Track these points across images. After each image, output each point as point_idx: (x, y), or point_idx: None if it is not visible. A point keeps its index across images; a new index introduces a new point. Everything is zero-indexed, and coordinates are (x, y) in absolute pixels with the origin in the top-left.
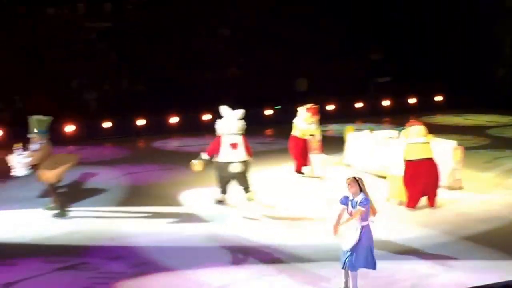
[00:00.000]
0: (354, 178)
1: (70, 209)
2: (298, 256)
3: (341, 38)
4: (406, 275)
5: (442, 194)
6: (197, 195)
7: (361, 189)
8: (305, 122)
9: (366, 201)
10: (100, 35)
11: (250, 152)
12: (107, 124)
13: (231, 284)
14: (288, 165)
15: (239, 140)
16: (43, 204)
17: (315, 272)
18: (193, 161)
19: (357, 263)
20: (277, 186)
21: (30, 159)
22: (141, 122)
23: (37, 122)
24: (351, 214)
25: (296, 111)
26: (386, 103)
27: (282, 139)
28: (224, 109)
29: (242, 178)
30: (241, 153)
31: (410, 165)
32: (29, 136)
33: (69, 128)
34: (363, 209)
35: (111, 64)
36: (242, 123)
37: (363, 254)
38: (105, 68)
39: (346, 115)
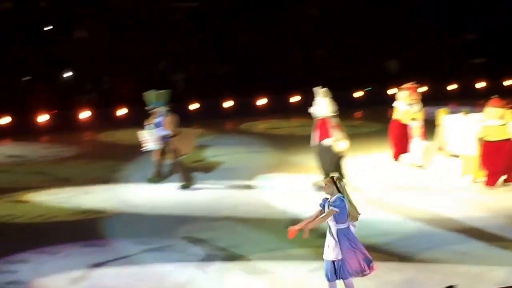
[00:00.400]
0: (332, 178)
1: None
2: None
3: (434, 17)
4: None
5: None
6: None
7: (339, 190)
8: (405, 103)
9: (339, 202)
10: (187, 16)
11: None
12: (194, 106)
13: None
14: (381, 150)
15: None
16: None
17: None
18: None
19: (349, 269)
20: (371, 173)
21: (161, 132)
22: (228, 104)
23: (155, 95)
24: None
25: (386, 93)
26: (481, 84)
27: (371, 122)
28: (319, 90)
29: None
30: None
31: (488, 145)
32: (148, 110)
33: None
34: (335, 210)
35: (199, 45)
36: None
37: (354, 259)
38: (192, 49)
39: (439, 98)
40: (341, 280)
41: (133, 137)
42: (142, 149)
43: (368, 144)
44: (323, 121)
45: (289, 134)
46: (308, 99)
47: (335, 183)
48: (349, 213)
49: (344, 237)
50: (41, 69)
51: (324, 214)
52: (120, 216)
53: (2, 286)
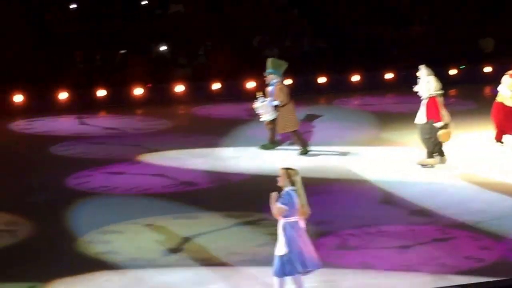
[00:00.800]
0: (286, 169)
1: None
2: None
3: None
4: None
5: None
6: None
7: (292, 183)
8: (508, 89)
9: (287, 197)
10: None
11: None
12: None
13: None
14: (477, 129)
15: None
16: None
17: None
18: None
19: (296, 265)
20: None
21: (274, 103)
22: (322, 79)
23: (273, 63)
24: None
25: (482, 71)
26: None
27: (465, 100)
28: (423, 68)
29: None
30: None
31: None
32: (265, 74)
33: (250, 85)
34: (284, 208)
35: (293, 20)
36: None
37: (300, 255)
38: (287, 24)
39: None
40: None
41: (226, 111)
42: (259, 118)
43: (464, 122)
44: (431, 100)
45: (382, 111)
46: (403, 76)
47: (289, 176)
48: (299, 208)
49: (291, 231)
50: (137, 43)
51: (273, 205)
52: (213, 188)
53: (98, 255)
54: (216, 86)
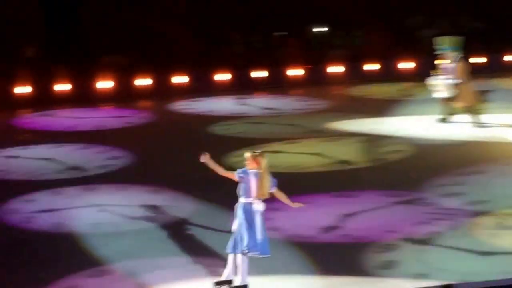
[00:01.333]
0: (253, 154)
1: None
2: None
3: None
4: None
5: None
6: None
7: (258, 167)
8: None
9: (243, 174)
10: None
11: None
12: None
13: None
14: None
15: None
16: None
17: None
18: None
19: (243, 244)
20: None
21: (451, 81)
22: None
23: (449, 40)
24: None
25: None
26: None
27: None
28: None
29: None
30: None
31: None
32: (438, 53)
33: (407, 65)
34: (237, 176)
35: (448, 1)
36: None
37: (247, 235)
38: (442, 4)
39: None
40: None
41: (383, 91)
42: (433, 95)
43: None
44: None
45: None
46: None
47: (255, 160)
48: (256, 189)
49: (242, 210)
50: (295, 24)
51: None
52: (371, 168)
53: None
54: (372, 67)
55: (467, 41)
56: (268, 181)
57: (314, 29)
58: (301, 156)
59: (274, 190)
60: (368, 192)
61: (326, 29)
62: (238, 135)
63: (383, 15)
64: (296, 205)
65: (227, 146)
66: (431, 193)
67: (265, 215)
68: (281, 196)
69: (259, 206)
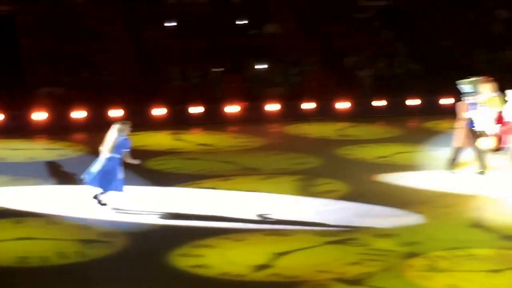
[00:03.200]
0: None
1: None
2: None
3: None
4: None
5: None
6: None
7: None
8: None
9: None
10: (377, 13)
11: None
12: (379, 103)
13: None
14: None
15: None
16: None
17: None
18: None
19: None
20: None
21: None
22: (414, 102)
23: (469, 83)
24: None
25: None
26: None
27: None
28: (510, 93)
29: None
30: None
31: None
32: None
33: (342, 105)
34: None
35: (387, 42)
36: None
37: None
38: (380, 46)
39: None
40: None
41: (320, 130)
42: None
43: None
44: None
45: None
46: None
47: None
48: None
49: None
50: (233, 61)
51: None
52: (304, 205)
53: (189, 269)
54: (309, 105)
55: (403, 82)
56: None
57: (255, 66)
58: (234, 192)
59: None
60: (300, 231)
61: (265, 66)
62: (172, 171)
63: (323, 53)
64: (132, 161)
65: (161, 181)
66: (364, 234)
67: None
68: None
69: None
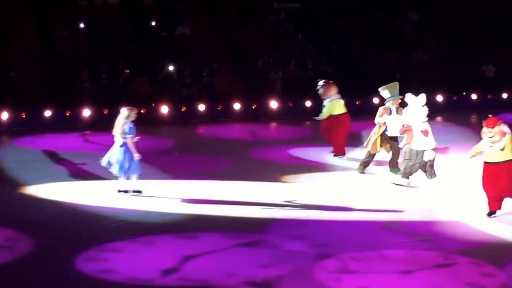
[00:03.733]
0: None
1: None
2: None
3: None
4: None
5: None
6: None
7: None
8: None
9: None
10: (288, 16)
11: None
12: (290, 104)
13: None
14: None
15: (428, 127)
16: None
17: None
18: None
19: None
20: None
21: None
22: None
23: (389, 88)
24: None
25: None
26: None
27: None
28: (409, 97)
29: (430, 165)
30: (431, 140)
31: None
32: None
33: (255, 106)
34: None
35: (297, 44)
36: (426, 109)
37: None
38: (291, 48)
39: None
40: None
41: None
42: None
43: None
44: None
45: None
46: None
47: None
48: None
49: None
50: (143, 62)
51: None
52: (211, 208)
53: (96, 273)
54: (219, 106)
55: (314, 83)
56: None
57: (166, 68)
58: (143, 195)
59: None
60: (210, 233)
61: (176, 68)
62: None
63: (234, 55)
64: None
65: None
66: (274, 235)
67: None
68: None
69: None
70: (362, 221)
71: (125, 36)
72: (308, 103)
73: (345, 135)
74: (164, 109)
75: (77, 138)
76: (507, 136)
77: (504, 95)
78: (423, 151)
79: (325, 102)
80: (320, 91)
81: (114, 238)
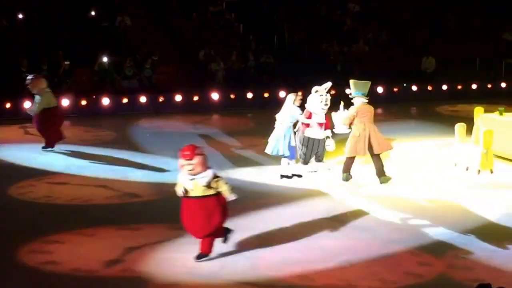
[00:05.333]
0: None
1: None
2: None
3: (473, 17)
4: None
5: None
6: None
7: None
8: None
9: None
10: (229, 7)
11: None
12: (232, 96)
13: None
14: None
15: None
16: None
17: None
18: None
19: None
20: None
21: (347, 117)
22: (267, 95)
23: (356, 84)
24: None
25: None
26: None
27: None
28: (315, 87)
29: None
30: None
31: None
32: (351, 97)
33: (196, 98)
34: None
35: (239, 36)
36: (329, 98)
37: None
38: (232, 39)
39: (475, 96)
40: None
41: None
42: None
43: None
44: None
45: None
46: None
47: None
48: None
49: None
50: (83, 53)
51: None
52: (156, 201)
53: (38, 266)
54: (161, 98)
55: (257, 75)
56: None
57: (101, 59)
58: (87, 187)
59: None
60: (153, 225)
61: (114, 59)
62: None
63: (175, 47)
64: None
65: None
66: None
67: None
68: None
69: None
70: (305, 212)
71: (65, 27)
72: (249, 95)
73: (58, 128)
74: (105, 101)
75: (17, 130)
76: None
77: (444, 87)
78: (319, 140)
79: (37, 96)
80: (29, 85)
81: (57, 230)
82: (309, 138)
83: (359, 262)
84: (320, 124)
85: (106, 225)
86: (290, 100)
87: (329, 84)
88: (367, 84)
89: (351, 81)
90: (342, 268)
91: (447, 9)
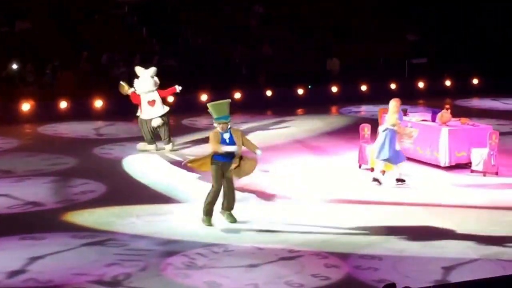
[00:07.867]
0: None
1: None
2: None
3: (377, 18)
4: None
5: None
6: None
7: None
8: None
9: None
10: (130, 10)
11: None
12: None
13: None
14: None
15: (156, 96)
16: None
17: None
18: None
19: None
20: None
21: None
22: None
23: (214, 107)
24: None
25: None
26: (421, 84)
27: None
28: (138, 69)
29: (163, 130)
30: (159, 108)
31: None
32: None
33: (98, 104)
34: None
35: (142, 39)
36: (155, 80)
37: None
38: (135, 43)
39: (379, 97)
40: None
41: (75, 129)
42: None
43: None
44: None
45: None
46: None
47: None
48: None
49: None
50: None
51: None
52: (60, 209)
53: None
54: (62, 105)
55: (162, 77)
56: None
57: (10, 66)
58: None
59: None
60: (56, 233)
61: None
62: None
63: (77, 51)
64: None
65: None
66: (122, 234)
67: None
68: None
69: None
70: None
71: None
72: None
73: None
74: (7, 107)
75: None
76: None
77: (348, 88)
78: (151, 119)
79: None
80: None
81: None
82: (145, 120)
83: (266, 265)
84: None
85: (8, 236)
86: (395, 106)
87: (153, 69)
88: (225, 105)
89: (209, 105)
90: (249, 272)
91: (352, 10)
